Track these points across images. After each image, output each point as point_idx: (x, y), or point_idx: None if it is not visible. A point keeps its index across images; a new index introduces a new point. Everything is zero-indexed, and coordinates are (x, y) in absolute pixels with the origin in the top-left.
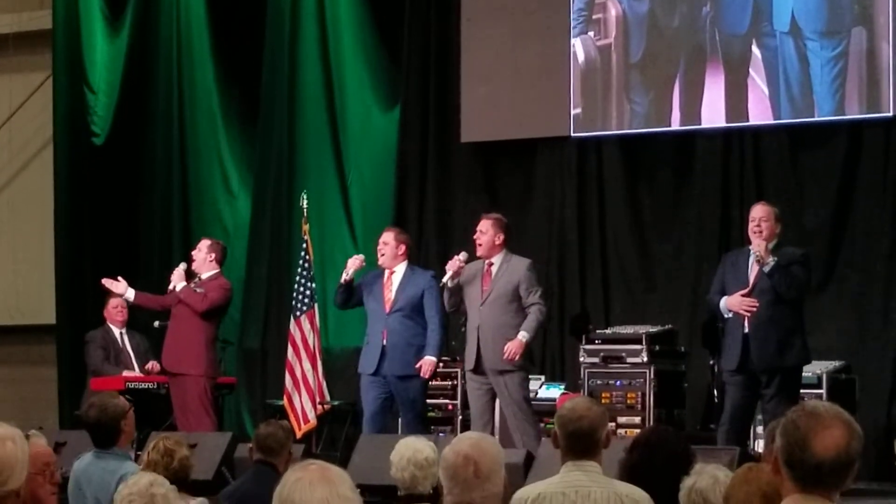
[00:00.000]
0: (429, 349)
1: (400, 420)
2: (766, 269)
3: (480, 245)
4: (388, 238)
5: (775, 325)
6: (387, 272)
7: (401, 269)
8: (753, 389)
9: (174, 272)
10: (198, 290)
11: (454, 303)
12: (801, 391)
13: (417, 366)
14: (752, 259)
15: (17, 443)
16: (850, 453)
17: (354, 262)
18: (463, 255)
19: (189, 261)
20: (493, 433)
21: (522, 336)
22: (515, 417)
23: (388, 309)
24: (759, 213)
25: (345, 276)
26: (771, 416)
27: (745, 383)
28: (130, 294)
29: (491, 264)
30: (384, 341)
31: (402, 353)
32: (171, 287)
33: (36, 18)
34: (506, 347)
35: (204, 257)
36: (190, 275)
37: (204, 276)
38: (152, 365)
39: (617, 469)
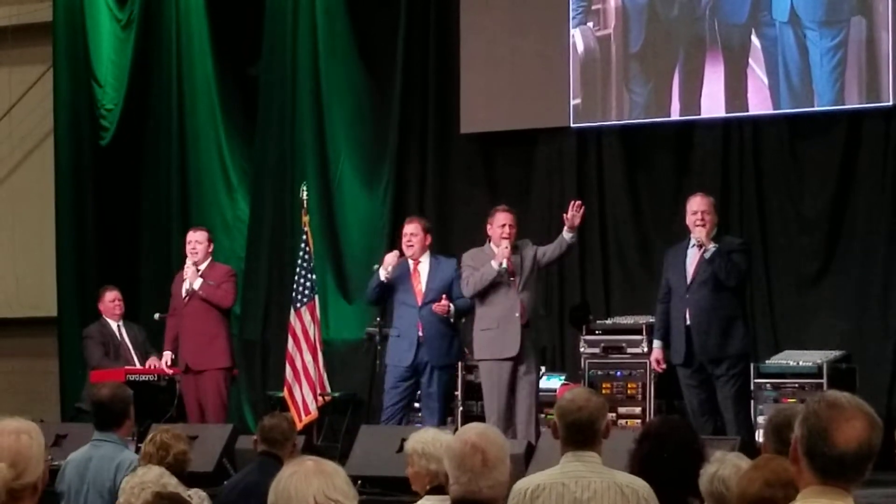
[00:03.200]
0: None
1: (424, 409)
2: (707, 254)
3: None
4: (415, 229)
5: (716, 314)
6: (412, 263)
7: (426, 259)
8: (706, 385)
9: (187, 271)
10: (210, 282)
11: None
12: (798, 381)
13: (443, 302)
14: (690, 252)
15: (32, 436)
16: (871, 446)
17: (392, 259)
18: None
19: (185, 256)
20: (511, 424)
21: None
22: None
23: (419, 301)
24: (701, 205)
25: (385, 275)
26: (723, 405)
27: (696, 381)
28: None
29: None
30: (420, 333)
31: (439, 343)
32: (186, 288)
33: (36, 10)
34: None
35: (205, 247)
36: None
37: (202, 266)
38: (152, 361)
39: (626, 460)
